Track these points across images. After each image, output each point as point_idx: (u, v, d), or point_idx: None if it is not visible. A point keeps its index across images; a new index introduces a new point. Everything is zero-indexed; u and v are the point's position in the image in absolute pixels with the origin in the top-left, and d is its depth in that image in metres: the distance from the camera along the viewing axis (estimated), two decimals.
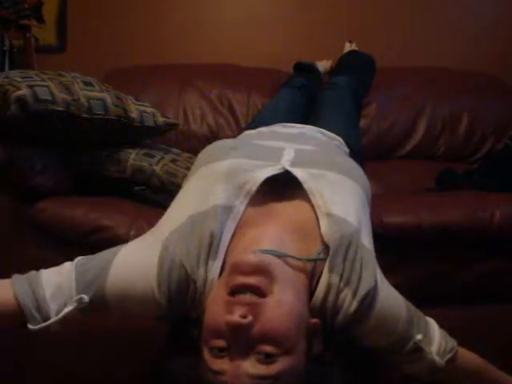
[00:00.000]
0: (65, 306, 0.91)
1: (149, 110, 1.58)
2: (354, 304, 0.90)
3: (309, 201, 0.98)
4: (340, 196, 1.00)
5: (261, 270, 0.83)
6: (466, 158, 2.11)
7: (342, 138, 1.53)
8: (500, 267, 1.36)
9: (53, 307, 0.91)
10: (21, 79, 1.37)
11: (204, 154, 1.18)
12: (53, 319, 0.91)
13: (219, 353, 0.81)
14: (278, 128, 1.49)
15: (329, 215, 0.96)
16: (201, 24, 2.59)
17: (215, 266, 0.91)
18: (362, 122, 2.11)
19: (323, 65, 2.33)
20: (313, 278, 0.92)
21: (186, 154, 1.66)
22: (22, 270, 0.97)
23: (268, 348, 0.80)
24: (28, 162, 1.39)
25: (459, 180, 1.72)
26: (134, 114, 1.53)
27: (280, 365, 0.80)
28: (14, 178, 1.37)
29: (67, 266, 0.96)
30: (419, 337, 0.96)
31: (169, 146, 1.70)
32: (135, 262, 0.94)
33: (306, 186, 0.99)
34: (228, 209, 0.95)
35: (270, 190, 0.99)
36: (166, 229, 0.96)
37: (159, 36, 2.57)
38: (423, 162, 2.07)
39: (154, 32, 2.57)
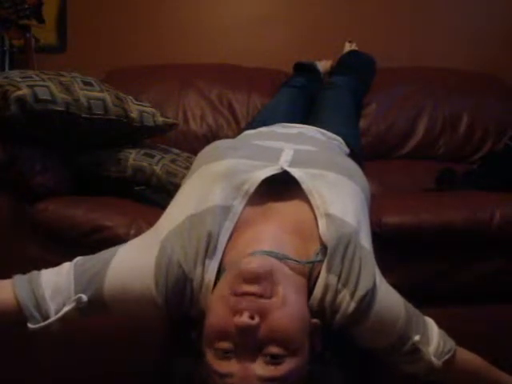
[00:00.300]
0: (64, 305, 0.92)
1: (148, 109, 1.59)
2: (352, 305, 0.90)
3: (307, 201, 0.98)
4: (339, 196, 1.00)
5: (264, 276, 0.83)
6: (465, 158, 2.10)
7: (342, 138, 1.53)
8: (500, 267, 1.35)
9: (52, 307, 0.92)
10: (21, 79, 1.37)
11: (203, 153, 1.19)
12: (52, 318, 0.91)
13: (225, 355, 0.81)
14: (278, 128, 1.49)
15: (327, 215, 0.95)
16: (201, 24, 2.58)
17: (212, 266, 0.92)
18: (362, 122, 2.10)
19: (323, 65, 2.33)
20: (311, 279, 0.92)
21: (186, 154, 1.66)
22: (22, 270, 0.97)
23: (275, 349, 0.80)
24: (28, 162, 1.39)
25: (459, 180, 1.72)
26: (134, 114, 1.54)
27: (287, 366, 0.81)
28: (14, 178, 1.37)
29: (66, 266, 0.97)
30: (417, 338, 0.96)
31: (169, 146, 1.70)
32: (133, 262, 0.94)
33: (304, 186, 0.99)
34: (226, 209, 0.96)
35: (268, 191, 0.99)
36: (165, 228, 0.97)
37: (159, 36, 2.56)
38: (423, 162, 2.06)
39: (154, 32, 2.57)
